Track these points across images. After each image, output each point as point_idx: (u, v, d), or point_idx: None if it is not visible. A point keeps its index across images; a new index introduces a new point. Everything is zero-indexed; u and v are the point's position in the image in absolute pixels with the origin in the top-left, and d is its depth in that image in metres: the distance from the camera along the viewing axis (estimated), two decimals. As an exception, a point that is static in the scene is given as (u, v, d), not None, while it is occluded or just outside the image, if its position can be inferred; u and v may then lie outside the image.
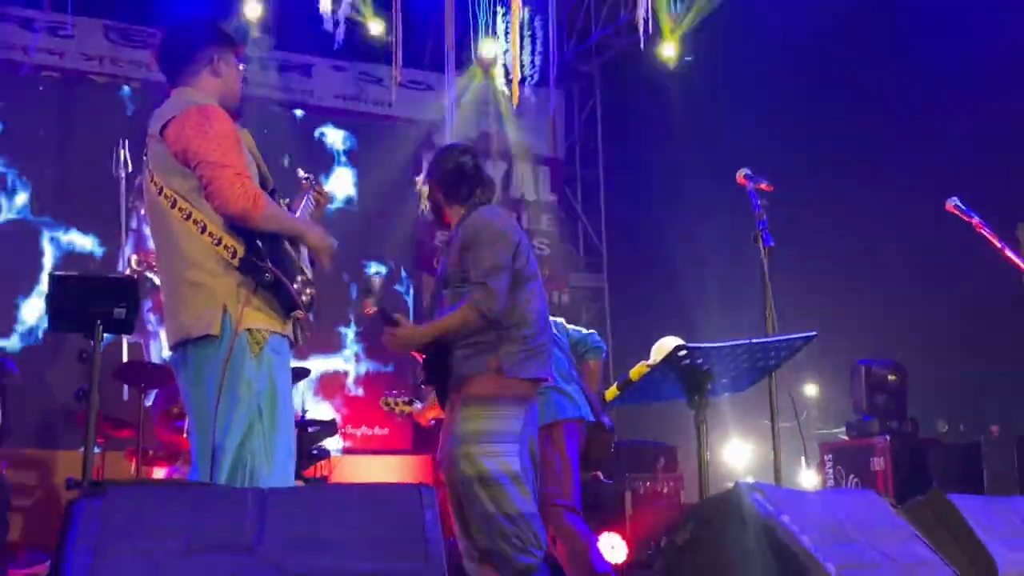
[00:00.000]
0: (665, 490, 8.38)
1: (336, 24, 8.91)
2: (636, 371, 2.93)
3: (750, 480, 4.41)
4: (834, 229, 7.91)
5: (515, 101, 8.28)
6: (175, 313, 3.25)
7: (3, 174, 8.63)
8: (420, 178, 4.24)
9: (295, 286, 3.23)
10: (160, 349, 8.24)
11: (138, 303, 3.39)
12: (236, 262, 3.16)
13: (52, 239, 8.69)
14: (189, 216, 3.21)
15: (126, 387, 7.74)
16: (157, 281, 7.78)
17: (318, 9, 8.91)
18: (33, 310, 8.44)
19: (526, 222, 10.66)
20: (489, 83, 9.95)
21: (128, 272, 7.28)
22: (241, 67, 3.49)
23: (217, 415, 3.09)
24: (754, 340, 2.93)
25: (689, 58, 9.11)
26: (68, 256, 8.61)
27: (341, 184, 9.82)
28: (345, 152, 9.98)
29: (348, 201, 9.83)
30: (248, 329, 3.19)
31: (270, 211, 3.20)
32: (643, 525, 7.23)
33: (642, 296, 9.81)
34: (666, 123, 9.78)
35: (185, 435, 6.36)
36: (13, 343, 8.29)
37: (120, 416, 6.93)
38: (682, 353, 2.80)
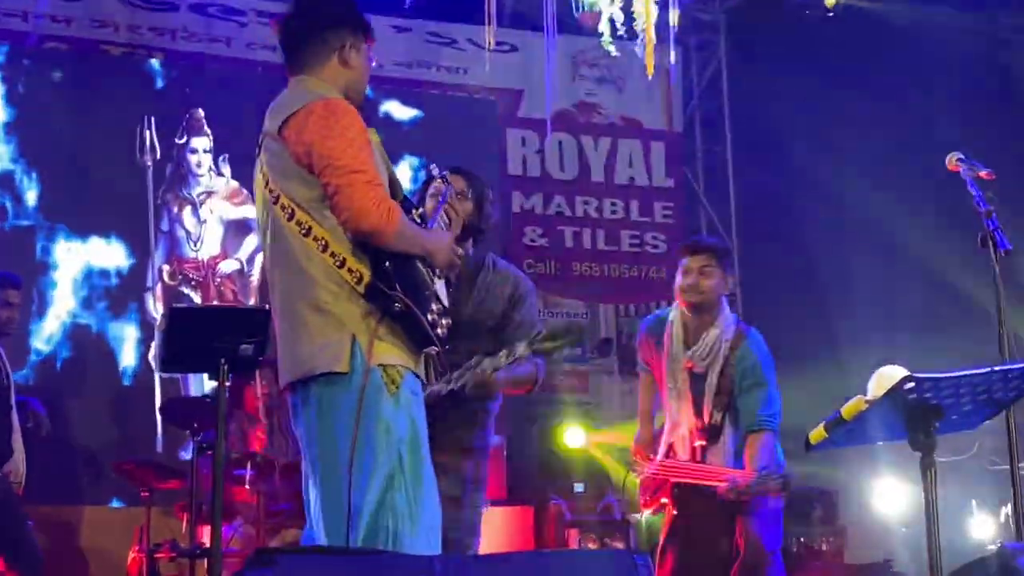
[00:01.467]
0: (824, 547, 8.40)
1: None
2: (850, 408, 3.04)
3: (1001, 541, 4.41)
4: None
5: (650, 71, 8.09)
6: (292, 344, 3.41)
7: (10, 171, 8.63)
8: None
9: (429, 317, 3.40)
10: (201, 382, 8.25)
11: (268, 338, 3.58)
12: (362, 288, 3.33)
13: (68, 249, 8.64)
14: (309, 232, 3.36)
15: (160, 427, 7.92)
16: (197, 299, 8.32)
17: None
18: (46, 335, 8.57)
19: (636, 212, 10.76)
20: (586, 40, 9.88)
21: (160, 288, 8.03)
22: (373, 60, 3.71)
23: (352, 469, 3.24)
24: (996, 368, 3.02)
25: (831, 13, 9.06)
26: (88, 270, 8.62)
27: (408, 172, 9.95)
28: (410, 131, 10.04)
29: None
30: (382, 364, 3.35)
31: (404, 228, 3.38)
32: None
33: (782, 302, 9.77)
34: (815, 85, 9.67)
35: (247, 487, 6.76)
36: (27, 375, 8.36)
37: (163, 463, 7.18)
38: (910, 385, 2.90)
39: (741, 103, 11.21)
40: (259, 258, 8.26)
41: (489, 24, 8.45)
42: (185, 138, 8.56)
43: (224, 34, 9.46)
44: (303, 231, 3.38)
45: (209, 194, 8.41)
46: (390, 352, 3.37)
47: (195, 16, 9.41)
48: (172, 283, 8.34)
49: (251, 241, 8.47)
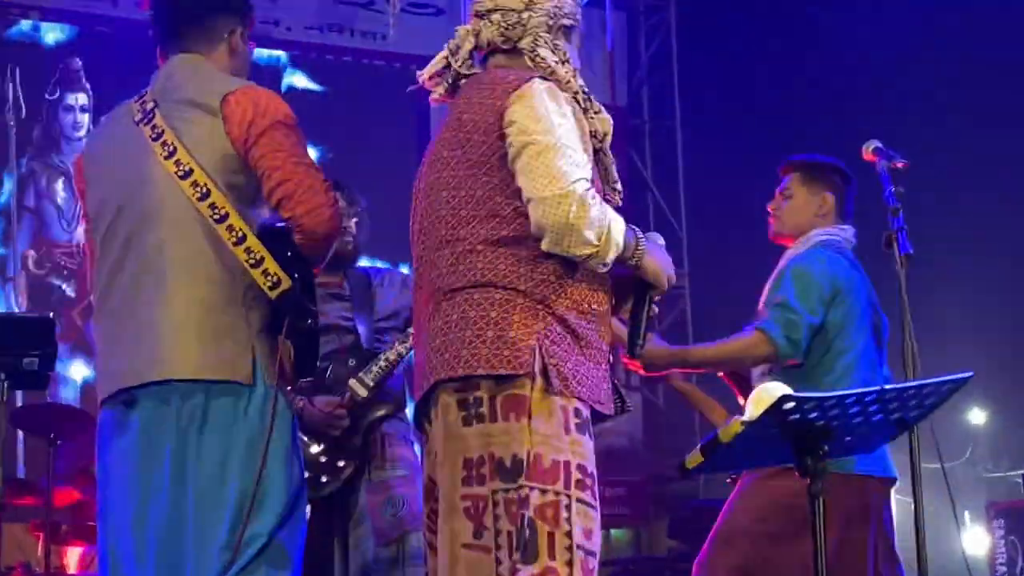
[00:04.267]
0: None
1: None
2: (728, 430, 2.93)
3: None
4: (995, 215, 8.14)
5: None
6: (166, 336, 3.33)
7: None
8: None
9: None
10: (74, 388, 8.04)
11: (56, 350, 3.55)
12: (274, 295, 3.30)
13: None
14: (224, 219, 3.31)
15: (21, 437, 7.70)
16: (70, 291, 7.92)
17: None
18: None
19: None
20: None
21: (23, 274, 7.36)
22: (253, 47, 3.74)
23: (256, 494, 3.22)
24: (887, 387, 2.96)
25: None
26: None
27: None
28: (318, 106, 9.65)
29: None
30: (276, 385, 3.34)
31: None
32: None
33: (734, 294, 9.62)
34: (775, 55, 9.71)
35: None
36: None
37: (18, 476, 7.13)
38: (789, 405, 2.81)
39: (693, 76, 11.15)
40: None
41: None
42: (58, 93, 7.69)
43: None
44: (216, 216, 3.32)
45: None
46: (273, 375, 3.37)
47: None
48: (39, 272, 7.59)
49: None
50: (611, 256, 3.10)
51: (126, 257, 3.41)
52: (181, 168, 3.35)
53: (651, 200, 11.23)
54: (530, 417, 3.04)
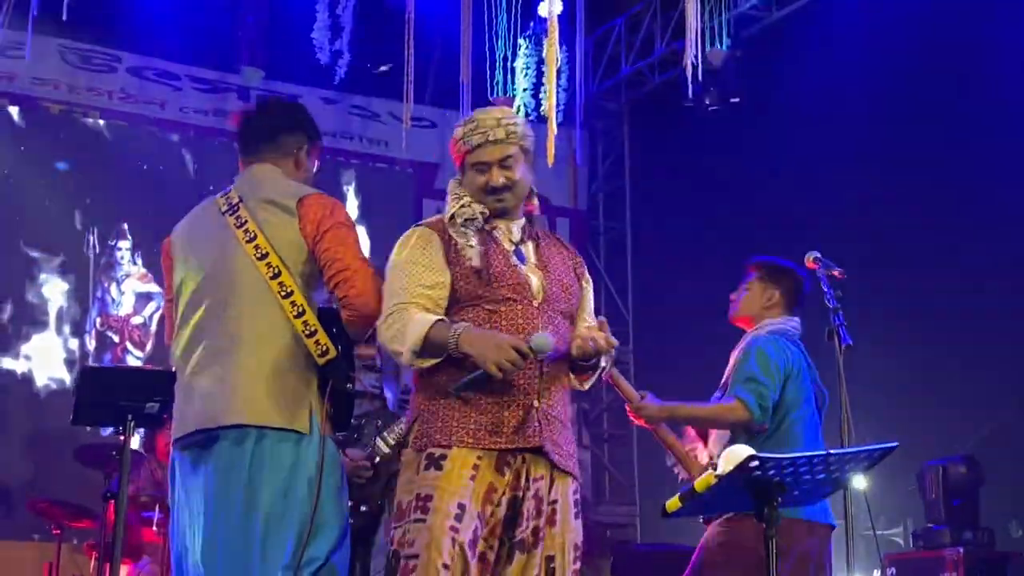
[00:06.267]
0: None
1: (337, 55, 9.21)
2: (702, 481, 3.08)
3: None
4: (894, 319, 8.06)
5: (550, 158, 8.19)
6: (237, 389, 3.39)
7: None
8: None
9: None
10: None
11: (171, 397, 3.61)
12: (323, 361, 3.41)
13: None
14: (289, 295, 3.43)
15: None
16: (115, 339, 9.57)
17: (309, 37, 9.22)
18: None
19: None
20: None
21: (95, 332, 9.55)
22: (316, 163, 3.85)
23: (313, 522, 3.33)
24: (832, 452, 3.12)
25: (736, 100, 9.27)
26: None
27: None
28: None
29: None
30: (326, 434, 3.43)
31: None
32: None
33: (676, 375, 9.15)
34: (708, 173, 9.78)
35: (155, 528, 6.75)
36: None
37: (77, 502, 7.08)
38: (754, 464, 2.97)
39: (641, 186, 11.31)
40: (157, 315, 9.48)
41: (407, 103, 8.67)
42: (115, 241, 9.83)
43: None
44: (283, 292, 3.44)
45: (127, 276, 9.86)
46: (328, 428, 3.47)
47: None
48: (101, 329, 9.69)
49: (151, 306, 9.73)
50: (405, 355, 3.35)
51: (209, 323, 3.49)
52: (259, 251, 3.46)
53: (603, 289, 11.08)
54: None
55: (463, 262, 3.41)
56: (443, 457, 3.32)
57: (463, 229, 3.45)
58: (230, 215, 3.56)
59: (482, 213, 3.49)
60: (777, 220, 8.92)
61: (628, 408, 4.49)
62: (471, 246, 3.42)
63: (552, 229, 10.17)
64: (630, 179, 11.43)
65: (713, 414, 4.57)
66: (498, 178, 3.47)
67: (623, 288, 11.30)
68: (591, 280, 3.78)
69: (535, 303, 3.44)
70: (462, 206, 3.47)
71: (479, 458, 3.33)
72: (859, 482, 8.02)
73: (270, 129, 3.73)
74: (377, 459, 4.75)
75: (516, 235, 3.54)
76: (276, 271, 3.44)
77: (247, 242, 3.49)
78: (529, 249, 3.55)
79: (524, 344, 3.27)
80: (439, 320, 3.35)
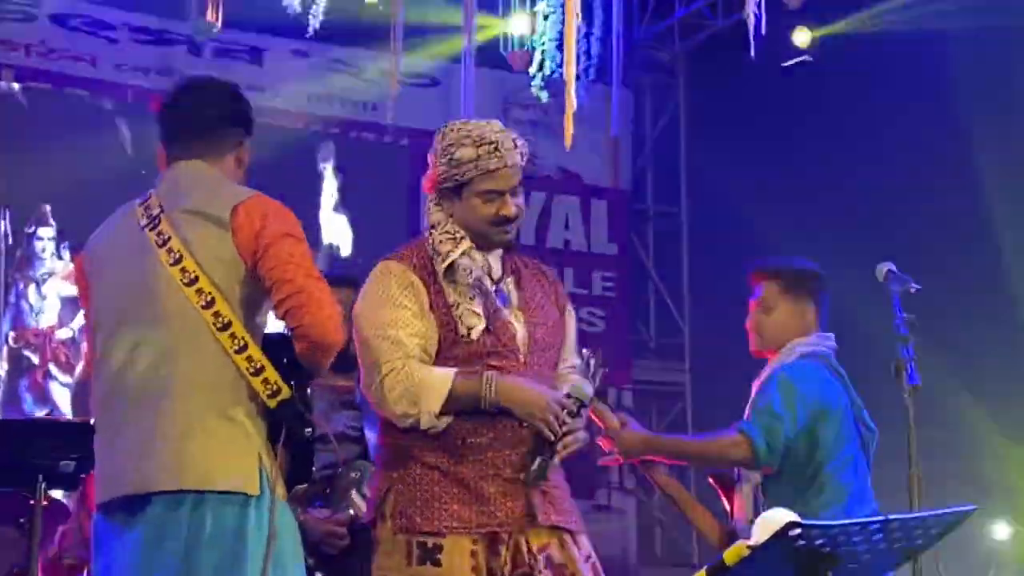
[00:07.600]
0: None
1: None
2: (732, 553, 2.96)
3: None
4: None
5: (568, 138, 7.63)
6: (175, 444, 3.28)
7: None
8: None
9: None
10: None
11: (91, 451, 3.51)
12: (273, 403, 3.29)
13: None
14: (227, 326, 3.30)
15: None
16: (35, 359, 9.06)
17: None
18: None
19: (571, 282, 9.81)
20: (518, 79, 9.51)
21: (6, 349, 9.04)
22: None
23: None
24: (892, 517, 3.05)
25: (809, 58, 9.22)
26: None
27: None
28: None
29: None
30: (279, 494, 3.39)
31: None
32: None
33: (737, 395, 8.92)
34: (791, 143, 9.35)
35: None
36: None
37: None
38: (796, 532, 2.88)
39: (700, 159, 10.68)
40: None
41: (396, 55, 8.32)
42: (33, 228, 9.18)
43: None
44: (219, 324, 3.31)
45: (50, 274, 9.21)
46: (281, 484, 3.37)
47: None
48: (15, 346, 9.14)
49: (82, 315, 8.49)
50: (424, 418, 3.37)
51: (132, 363, 3.35)
52: (187, 275, 3.33)
53: (652, 290, 10.66)
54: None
55: (447, 321, 3.43)
56: (437, 549, 3.35)
57: (466, 291, 3.45)
58: (150, 230, 3.44)
59: (483, 261, 3.51)
60: (880, 205, 8.76)
61: (601, 439, 4.17)
62: (476, 313, 3.42)
63: (586, 213, 10.42)
64: (686, 151, 10.82)
65: (705, 450, 4.36)
66: (511, 208, 3.48)
67: (677, 291, 10.76)
68: (573, 312, 3.76)
69: (521, 359, 3.46)
70: (463, 253, 3.47)
71: (474, 542, 3.35)
72: (1002, 531, 8.37)
73: (204, 118, 3.58)
74: (355, 522, 4.40)
75: (496, 271, 3.54)
76: (209, 299, 3.32)
77: (171, 265, 3.39)
78: (510, 286, 3.58)
79: (570, 402, 3.34)
80: (457, 372, 3.39)
